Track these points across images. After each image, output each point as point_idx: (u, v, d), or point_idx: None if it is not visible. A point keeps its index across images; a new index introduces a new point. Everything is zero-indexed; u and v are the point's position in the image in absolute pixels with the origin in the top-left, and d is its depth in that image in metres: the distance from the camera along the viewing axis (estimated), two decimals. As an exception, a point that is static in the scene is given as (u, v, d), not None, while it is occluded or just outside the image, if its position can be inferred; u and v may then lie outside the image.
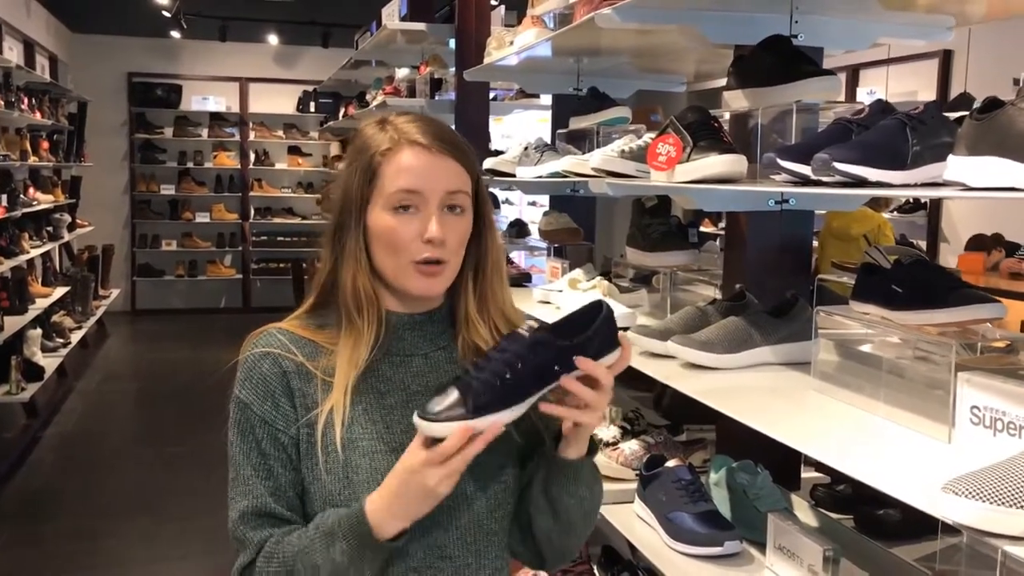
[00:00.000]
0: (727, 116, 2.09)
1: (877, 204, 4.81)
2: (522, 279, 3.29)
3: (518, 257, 4.37)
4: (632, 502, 2.09)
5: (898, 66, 6.15)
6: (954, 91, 5.82)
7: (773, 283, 2.10)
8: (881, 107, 1.47)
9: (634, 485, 2.13)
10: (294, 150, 10.66)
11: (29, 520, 4.57)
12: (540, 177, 2.67)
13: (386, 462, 1.19)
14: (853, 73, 6.48)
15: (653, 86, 3.39)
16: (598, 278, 2.50)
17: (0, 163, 6.05)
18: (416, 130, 1.23)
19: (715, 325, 1.87)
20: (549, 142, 2.94)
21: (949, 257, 5.67)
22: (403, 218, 1.21)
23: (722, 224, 3.19)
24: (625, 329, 2.18)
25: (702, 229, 3.45)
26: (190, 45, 10.22)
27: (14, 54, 7.26)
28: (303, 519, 1.24)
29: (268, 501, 1.23)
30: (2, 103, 5.96)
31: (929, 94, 6.00)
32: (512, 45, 2.89)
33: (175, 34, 9.75)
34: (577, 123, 2.80)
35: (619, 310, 2.30)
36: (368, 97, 6.28)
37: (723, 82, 2.03)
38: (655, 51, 2.82)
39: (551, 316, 2.56)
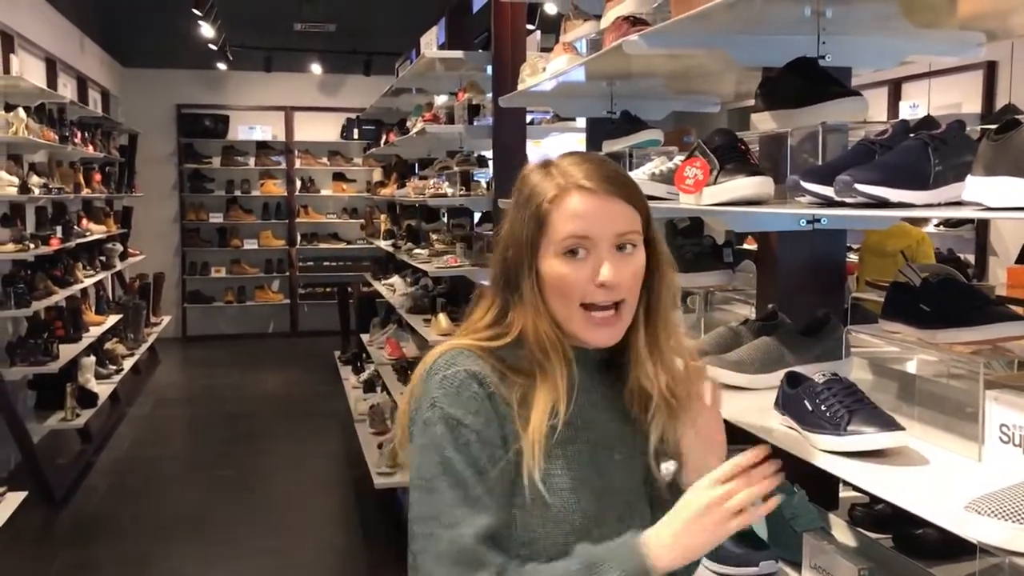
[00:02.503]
0: (758, 138, 2.11)
1: (916, 219, 4.75)
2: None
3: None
4: (668, 523, 2.10)
5: (941, 79, 6.08)
6: (999, 103, 5.75)
7: (806, 302, 2.11)
8: (904, 127, 1.48)
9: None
10: (338, 176, 10.83)
11: (84, 544, 4.68)
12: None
13: (582, 498, 1.22)
14: (895, 87, 6.42)
15: (688, 107, 3.40)
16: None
17: (55, 196, 6.24)
18: (582, 173, 1.22)
19: (747, 345, 1.88)
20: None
21: (999, 270, 5.57)
22: (574, 264, 1.21)
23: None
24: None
25: (745, 246, 3.45)
26: (236, 76, 10.47)
27: (68, 90, 7.51)
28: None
29: (500, 521, 1.19)
30: (57, 138, 6.15)
31: (973, 106, 5.92)
32: (545, 71, 2.94)
33: (221, 66, 10.00)
34: (610, 146, 2.82)
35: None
36: (408, 124, 6.37)
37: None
38: (687, 73, 2.85)
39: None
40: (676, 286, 1.31)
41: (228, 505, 5.21)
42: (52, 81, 6.96)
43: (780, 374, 1.82)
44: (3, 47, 5.79)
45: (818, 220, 1.86)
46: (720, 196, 1.76)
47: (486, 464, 1.19)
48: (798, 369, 1.67)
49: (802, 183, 1.50)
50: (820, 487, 2.09)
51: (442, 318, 4.82)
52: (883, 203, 1.34)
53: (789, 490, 1.98)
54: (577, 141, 6.56)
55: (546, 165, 1.27)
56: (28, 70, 6.17)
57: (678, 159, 2.19)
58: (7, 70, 5.67)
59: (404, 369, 5.70)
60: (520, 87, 3.31)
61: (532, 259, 1.23)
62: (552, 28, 4.76)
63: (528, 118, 4.77)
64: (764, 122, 1.94)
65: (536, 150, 6.08)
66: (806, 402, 1.48)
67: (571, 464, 1.24)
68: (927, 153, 1.35)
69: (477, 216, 5.81)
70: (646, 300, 1.27)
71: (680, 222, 2.46)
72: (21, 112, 5.34)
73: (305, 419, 7.15)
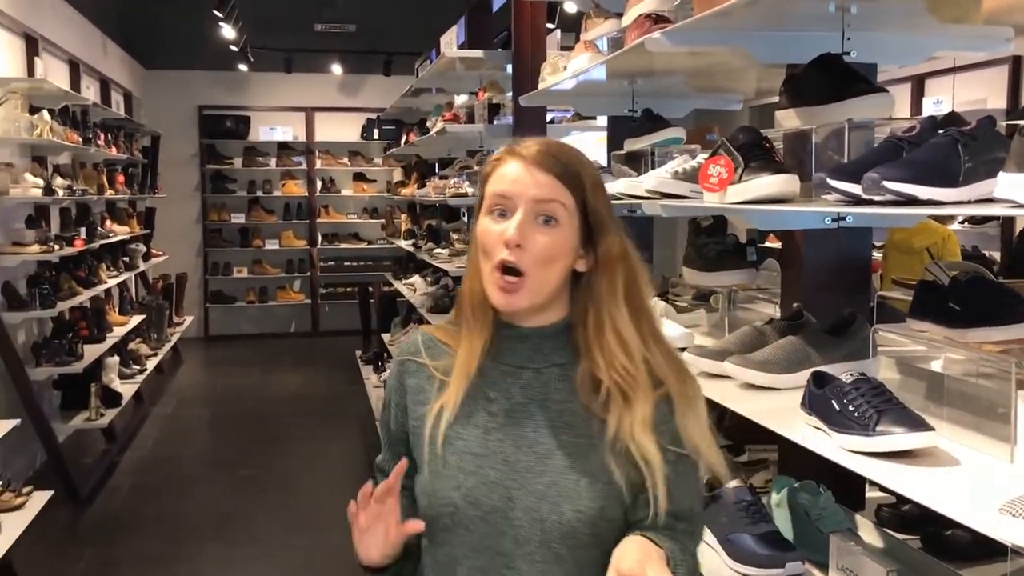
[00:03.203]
0: (782, 135, 2.09)
1: (942, 216, 4.69)
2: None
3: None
4: (693, 523, 2.08)
5: (965, 74, 6.01)
6: (1025, 98, 5.68)
7: (831, 301, 2.09)
8: (932, 124, 1.46)
9: (695, 506, 2.12)
10: (359, 177, 10.87)
11: (108, 543, 4.72)
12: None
13: (470, 463, 1.27)
14: (919, 83, 6.36)
15: (710, 105, 3.38)
16: (655, 298, 2.51)
17: (79, 197, 6.30)
18: (525, 146, 1.29)
19: (772, 345, 1.87)
20: (604, 164, 2.96)
21: (1024, 268, 5.50)
22: (496, 222, 1.27)
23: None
24: (683, 350, 2.18)
25: (768, 244, 3.43)
26: (257, 77, 10.51)
27: (91, 92, 7.57)
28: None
29: (385, 465, 1.40)
30: (80, 140, 6.20)
31: (999, 102, 5.85)
32: (565, 70, 2.93)
33: (242, 67, 10.05)
34: (632, 145, 2.81)
35: (676, 331, 2.31)
36: (428, 124, 6.38)
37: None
38: (709, 71, 2.83)
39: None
40: (634, 283, 1.30)
41: (250, 504, 5.24)
42: (75, 83, 7.02)
43: (806, 374, 1.81)
44: (27, 50, 5.84)
45: (843, 218, 1.84)
46: (745, 194, 1.75)
47: (391, 422, 1.40)
48: (824, 369, 1.66)
49: (829, 181, 1.49)
50: (846, 488, 2.07)
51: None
52: (912, 201, 1.33)
53: (815, 490, 1.97)
54: (597, 140, 6.55)
55: (514, 142, 1.33)
56: (52, 73, 6.23)
57: (701, 157, 2.18)
58: (31, 73, 5.72)
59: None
60: (541, 86, 3.30)
61: (476, 221, 1.31)
62: (572, 27, 4.75)
63: (548, 117, 4.76)
64: (788, 119, 1.93)
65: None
66: (833, 402, 1.47)
67: (485, 431, 1.29)
68: (957, 150, 1.33)
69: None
70: (589, 289, 1.29)
71: (703, 220, 2.44)
72: (45, 114, 5.39)
73: (326, 418, 7.17)
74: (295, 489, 5.47)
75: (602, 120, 4.68)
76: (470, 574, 1.27)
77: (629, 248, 1.32)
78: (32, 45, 5.87)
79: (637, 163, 2.77)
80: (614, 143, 3.34)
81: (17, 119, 5.12)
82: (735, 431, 2.57)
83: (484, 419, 1.30)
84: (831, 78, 1.85)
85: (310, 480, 5.63)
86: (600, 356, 1.27)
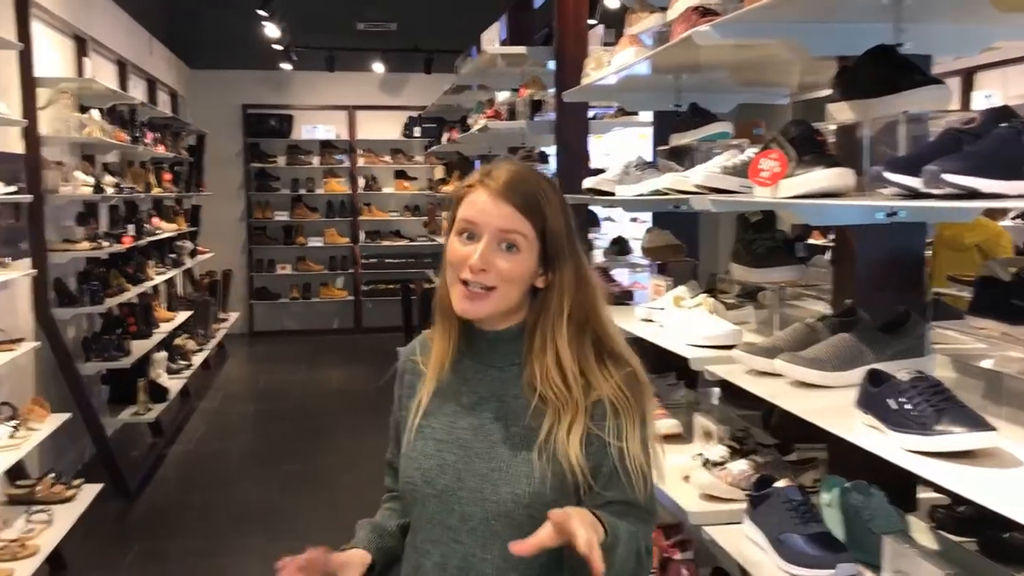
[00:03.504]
0: (832, 128, 2.05)
1: (993, 212, 4.59)
2: (624, 297, 3.28)
3: (619, 275, 4.36)
4: (741, 523, 2.06)
5: (1017, 67, 5.87)
6: (1080, 90, 5.53)
7: (884, 297, 2.04)
8: (994, 115, 1.42)
9: (743, 506, 2.09)
10: (400, 174, 10.92)
11: (156, 535, 4.79)
12: (641, 195, 2.67)
13: (426, 447, 1.46)
14: (967, 77, 6.23)
15: (755, 99, 3.34)
16: (702, 295, 2.48)
17: (127, 195, 6.40)
18: (496, 176, 1.42)
19: (824, 342, 1.83)
20: (649, 160, 2.93)
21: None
22: (463, 243, 1.42)
23: (831, 236, 3.11)
24: (731, 347, 2.16)
25: (811, 241, 3.37)
26: (300, 76, 10.61)
27: (139, 91, 7.69)
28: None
29: (393, 459, 1.60)
30: (128, 139, 6.30)
31: (1052, 95, 5.71)
32: (610, 65, 2.91)
33: (286, 66, 10.14)
34: (678, 140, 2.78)
35: (724, 327, 2.28)
36: (470, 121, 6.38)
37: (829, 92, 2.00)
38: (756, 64, 2.79)
39: (654, 335, 2.55)
40: (585, 301, 1.44)
41: (293, 499, 5.29)
42: (123, 83, 7.13)
43: (859, 372, 1.77)
44: (77, 50, 5.95)
45: (896, 213, 1.80)
46: (798, 188, 1.72)
47: (395, 416, 1.58)
48: (879, 367, 1.62)
49: (886, 174, 1.45)
50: (898, 488, 2.03)
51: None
52: (973, 194, 1.29)
53: (866, 490, 1.93)
54: (639, 136, 6.51)
55: (487, 167, 1.48)
56: (100, 73, 6.33)
57: (750, 151, 2.14)
58: (80, 73, 5.82)
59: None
60: (584, 81, 3.28)
61: (449, 234, 1.46)
62: (614, 22, 4.72)
63: (590, 113, 4.73)
64: (841, 112, 1.89)
65: (599, 145, 6.04)
66: (890, 401, 1.44)
67: (447, 417, 1.48)
68: (1020, 141, 1.29)
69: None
70: (541, 304, 1.44)
71: (752, 216, 2.41)
72: (94, 113, 5.48)
73: (369, 414, 7.20)
74: (337, 484, 5.51)
75: (645, 116, 4.66)
76: (423, 543, 1.46)
77: (585, 271, 1.46)
78: (81, 46, 5.97)
79: (683, 158, 2.74)
80: (659, 138, 3.31)
81: (67, 118, 5.22)
82: (782, 429, 2.53)
83: (453, 409, 1.48)
84: (885, 70, 1.81)
85: (352, 475, 5.66)
86: (537, 368, 1.42)
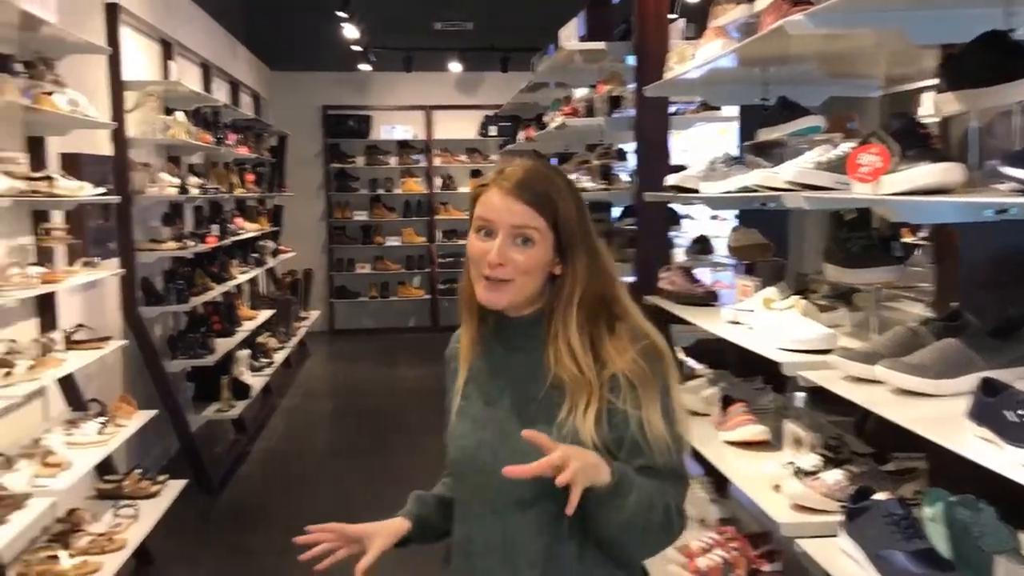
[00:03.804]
0: (935, 122, 1.94)
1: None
2: (709, 298, 3.18)
3: (702, 274, 4.25)
4: (836, 536, 1.96)
5: None
6: None
7: (991, 299, 1.92)
8: (1126, 103, 1.30)
9: (838, 518, 1.99)
10: (476, 174, 10.91)
11: (239, 531, 4.87)
12: (728, 192, 2.57)
13: (464, 427, 1.59)
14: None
15: (845, 92, 3.21)
16: (794, 297, 2.38)
17: (211, 196, 6.53)
18: (508, 175, 1.51)
19: (929, 348, 1.73)
20: (736, 155, 2.83)
21: None
22: (481, 240, 1.51)
23: (921, 234, 2.96)
24: (826, 351, 2.06)
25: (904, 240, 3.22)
26: (378, 77, 10.71)
27: (222, 94, 7.84)
28: None
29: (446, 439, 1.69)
30: (212, 140, 6.42)
31: None
32: (695, 58, 2.82)
33: (364, 67, 10.25)
34: (766, 134, 2.68)
35: (818, 331, 2.18)
36: (546, 119, 6.31)
37: (920, 84, 1.89)
38: (845, 55, 2.67)
39: (743, 337, 2.46)
40: (599, 289, 1.51)
41: (373, 496, 5.29)
42: (207, 85, 7.27)
43: (967, 380, 1.67)
44: (163, 54, 6.08)
45: (1006, 210, 1.69)
46: (902, 184, 1.61)
47: (446, 400, 1.70)
48: (991, 375, 1.52)
49: (1003, 168, 1.35)
50: (1009, 503, 1.90)
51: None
52: (1105, 189, 1.18)
53: (974, 505, 1.81)
54: (720, 131, 6.36)
55: (501, 165, 1.56)
56: (185, 75, 6.47)
57: (845, 146, 2.04)
58: (166, 76, 5.96)
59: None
60: (667, 76, 3.20)
61: (469, 232, 1.54)
62: (695, 16, 4.59)
63: (671, 108, 4.62)
64: (947, 104, 1.77)
65: (678, 141, 5.91)
66: (1007, 413, 1.33)
67: (483, 399, 1.58)
68: None
69: (618, 211, 5.69)
70: (556, 291, 1.53)
71: (846, 214, 2.30)
72: (179, 115, 5.59)
73: (445, 413, 7.22)
74: (415, 481, 5.46)
75: (728, 111, 4.54)
76: (468, 517, 1.59)
77: (599, 259, 1.53)
78: (167, 49, 6.11)
79: (771, 153, 2.63)
80: (745, 133, 3.21)
81: (153, 121, 5.34)
82: (878, 437, 2.41)
83: (487, 391, 1.58)
84: (996, 57, 1.70)
85: (430, 473, 5.61)
86: (552, 352, 1.50)
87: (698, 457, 2.80)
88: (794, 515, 2.12)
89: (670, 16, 4.62)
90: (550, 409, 1.49)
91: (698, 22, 3.57)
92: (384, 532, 1.66)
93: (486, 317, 1.60)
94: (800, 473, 2.18)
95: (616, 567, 1.51)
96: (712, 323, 2.70)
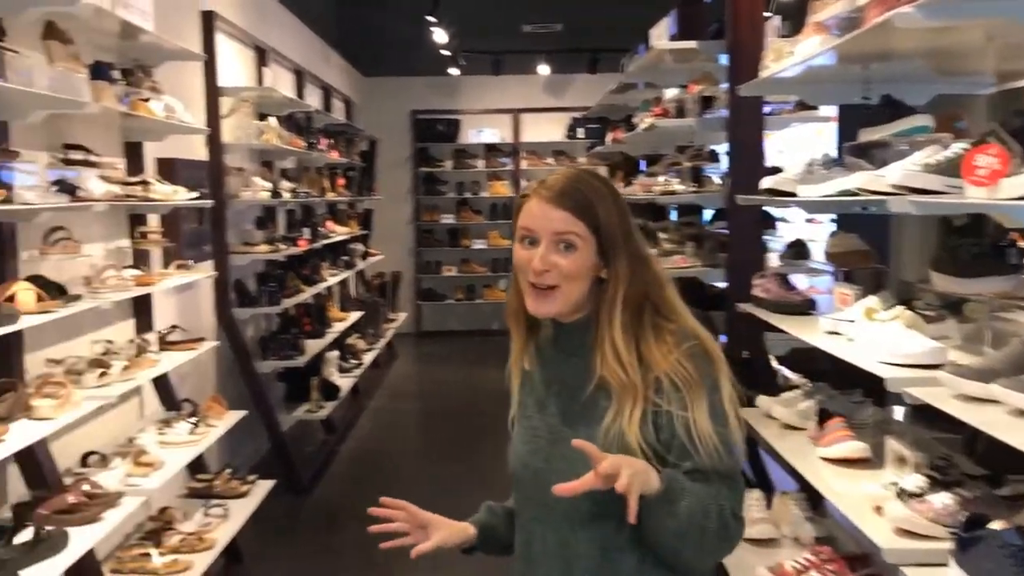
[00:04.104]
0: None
1: None
2: (806, 307, 3.05)
3: (797, 281, 4.09)
4: (946, 565, 1.83)
5: None
6: None
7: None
8: None
9: (946, 546, 1.86)
10: (564, 176, 10.85)
11: (325, 532, 4.91)
12: (826, 196, 2.45)
13: (520, 435, 1.62)
14: None
15: (953, 89, 3.03)
16: (898, 307, 2.24)
17: (303, 199, 6.63)
18: (548, 184, 1.54)
19: (1052, 365, 1.59)
20: (835, 157, 2.70)
21: None
22: (525, 248, 1.54)
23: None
24: (935, 366, 1.92)
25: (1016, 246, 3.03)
26: (467, 81, 10.76)
27: (314, 99, 7.97)
28: None
29: None
30: (304, 145, 6.52)
31: None
32: (792, 55, 2.70)
33: (453, 71, 10.30)
34: (869, 135, 2.54)
35: (925, 344, 2.04)
36: (635, 120, 6.21)
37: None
38: (955, 50, 2.51)
39: (843, 350, 2.34)
40: (644, 291, 1.52)
41: (458, 498, 5.25)
42: (300, 91, 7.40)
43: (1096, 401, 1.52)
44: (257, 60, 6.21)
45: None
46: (1024, 188, 1.49)
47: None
48: None
49: None
50: None
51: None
52: None
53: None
54: (817, 132, 6.14)
55: (544, 178, 1.59)
56: (279, 81, 6.59)
57: (956, 147, 1.91)
58: (260, 82, 6.07)
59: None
60: (762, 74, 3.08)
61: (514, 243, 1.58)
62: (791, 13, 4.43)
63: (765, 108, 4.47)
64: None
65: (771, 143, 5.73)
66: None
67: (537, 406, 1.61)
68: None
69: (709, 214, 5.55)
70: (601, 295, 1.53)
71: (956, 219, 2.15)
72: (272, 121, 5.69)
73: (531, 417, 7.18)
74: (498, 485, 5.46)
75: (825, 111, 4.36)
76: (527, 522, 1.61)
77: (643, 261, 1.53)
78: (261, 56, 6.23)
79: (872, 155, 2.50)
80: (846, 134, 3.06)
81: (247, 126, 5.44)
82: (992, 459, 2.25)
83: (542, 397, 1.60)
84: None
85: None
86: (598, 355, 1.51)
87: (793, 472, 2.68)
88: (897, 540, 1.99)
89: (765, 14, 4.47)
90: (597, 413, 1.50)
91: (794, 21, 3.43)
92: (449, 528, 1.71)
93: (538, 325, 1.63)
94: (904, 495, 2.05)
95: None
96: (809, 333, 2.58)
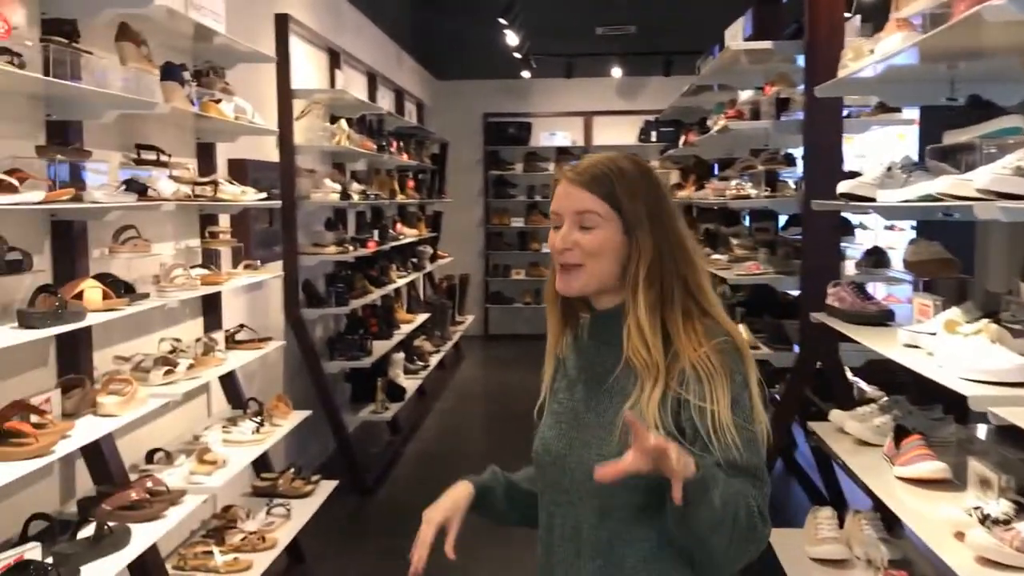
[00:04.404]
0: None
1: None
2: (883, 318, 2.91)
3: (874, 289, 3.94)
4: (1033, 598, 1.70)
5: None
6: None
7: None
8: None
9: (1034, 576, 1.73)
10: (635, 179, 10.74)
11: (388, 534, 4.91)
12: (907, 201, 2.33)
13: (552, 419, 1.63)
14: None
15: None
16: (982, 320, 2.11)
17: (373, 201, 6.67)
18: (574, 167, 1.58)
19: None
20: (917, 160, 2.57)
21: None
22: (554, 232, 1.58)
23: None
24: (1022, 384, 1.80)
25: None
26: (538, 84, 10.73)
27: (387, 102, 8.03)
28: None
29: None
30: (375, 147, 6.56)
31: None
32: (873, 54, 2.57)
33: (525, 74, 10.28)
34: (954, 137, 2.41)
35: (1013, 360, 1.91)
36: (709, 122, 6.09)
37: None
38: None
39: (922, 364, 2.21)
40: (672, 270, 1.51)
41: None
42: (372, 94, 7.46)
43: None
44: (330, 63, 6.27)
45: None
46: None
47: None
48: None
49: None
50: None
51: (742, 329, 4.50)
52: None
53: None
54: (897, 136, 5.94)
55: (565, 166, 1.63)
56: (351, 84, 6.65)
57: (1050, 149, 1.78)
58: (333, 84, 6.12)
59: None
60: (841, 73, 2.96)
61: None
62: (872, 14, 4.27)
63: (844, 111, 4.32)
64: None
65: (852, 146, 5.55)
66: None
67: (567, 392, 1.62)
68: None
69: (783, 219, 5.40)
70: (630, 278, 1.52)
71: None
72: (343, 123, 5.73)
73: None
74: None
75: (908, 113, 4.19)
76: (548, 506, 1.61)
77: (676, 244, 1.52)
78: (334, 58, 6.28)
79: (957, 158, 2.36)
80: (929, 136, 2.92)
81: (319, 128, 5.48)
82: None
83: (572, 384, 1.62)
84: None
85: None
86: (626, 337, 1.51)
87: (867, 491, 2.55)
88: (980, 570, 1.87)
89: (845, 14, 4.32)
90: (621, 396, 1.51)
91: (875, 21, 3.30)
92: (455, 505, 1.71)
93: (576, 314, 1.65)
94: (988, 521, 1.92)
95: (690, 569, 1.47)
96: (887, 346, 2.45)
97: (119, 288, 2.95)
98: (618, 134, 10.79)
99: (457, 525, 1.67)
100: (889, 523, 2.86)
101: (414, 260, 8.10)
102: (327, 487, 4.39)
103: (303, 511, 4.09)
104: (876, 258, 3.78)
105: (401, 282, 7.30)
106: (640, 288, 1.50)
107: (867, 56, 2.65)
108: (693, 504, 1.32)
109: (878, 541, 2.73)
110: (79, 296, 2.70)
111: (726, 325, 1.52)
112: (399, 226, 7.79)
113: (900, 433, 2.58)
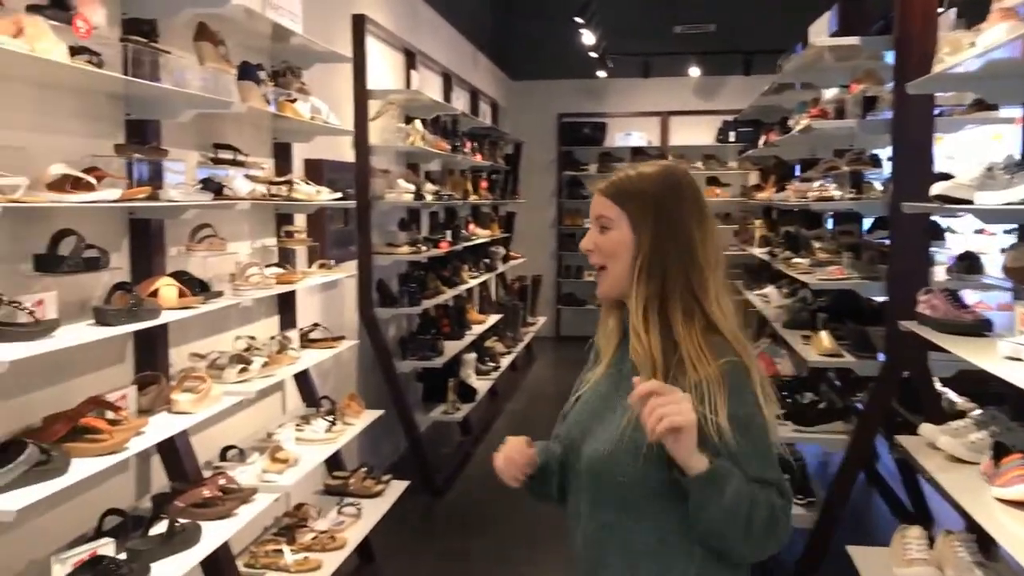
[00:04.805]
0: None
1: None
2: (979, 327, 2.75)
3: (968, 297, 3.74)
4: None
5: None
6: None
7: None
8: None
9: None
10: (712, 181, 10.54)
11: (460, 534, 4.88)
12: (1010, 204, 2.18)
13: (574, 414, 1.71)
14: None
15: None
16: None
17: (446, 202, 6.66)
18: (606, 178, 1.69)
19: None
20: (1020, 160, 2.41)
21: None
22: None
23: None
24: None
25: None
26: (614, 84, 10.61)
27: (461, 102, 8.02)
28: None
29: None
30: (449, 148, 6.55)
31: None
32: (973, 47, 2.43)
33: (601, 74, 10.18)
34: (1062, 136, 2.25)
35: None
36: (791, 122, 5.90)
37: None
38: None
39: (1022, 377, 2.07)
40: (674, 273, 1.57)
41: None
42: (447, 94, 7.46)
43: None
44: (406, 64, 6.28)
45: None
46: None
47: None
48: None
49: None
50: None
51: (824, 336, 4.34)
52: None
53: None
54: (993, 137, 5.67)
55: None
56: (426, 84, 6.65)
57: None
58: (408, 85, 6.13)
59: (779, 388, 5.26)
60: (936, 68, 2.81)
61: None
62: (968, 9, 4.07)
63: (936, 110, 4.13)
64: None
65: (943, 147, 5.30)
66: None
67: (597, 388, 1.69)
68: None
69: (868, 223, 5.20)
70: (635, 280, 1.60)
71: None
72: (418, 124, 5.73)
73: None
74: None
75: (1006, 111, 3.98)
76: (573, 491, 1.68)
77: (681, 240, 1.58)
78: (410, 59, 6.29)
79: (1066, 159, 2.21)
80: (1032, 135, 2.75)
81: (394, 128, 5.49)
82: None
83: (604, 379, 1.68)
84: None
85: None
86: (632, 332, 1.59)
87: (960, 511, 2.41)
88: (1091, 601, 1.73)
89: (938, 9, 4.14)
90: (629, 391, 1.51)
91: (970, 17, 3.13)
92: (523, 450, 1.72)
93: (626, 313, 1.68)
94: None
95: (713, 562, 1.52)
96: (984, 358, 2.31)
97: (195, 286, 2.97)
98: (695, 134, 10.61)
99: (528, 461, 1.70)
100: (984, 545, 2.70)
101: (486, 261, 8.08)
102: (398, 487, 4.38)
103: (374, 511, 4.09)
104: (969, 263, 3.60)
105: (473, 283, 7.28)
106: (639, 280, 1.58)
107: (966, 50, 2.50)
108: (705, 494, 1.42)
109: (972, 565, 2.57)
110: (155, 294, 2.72)
111: (736, 345, 1.55)
112: (472, 226, 7.78)
113: (999, 450, 2.43)
